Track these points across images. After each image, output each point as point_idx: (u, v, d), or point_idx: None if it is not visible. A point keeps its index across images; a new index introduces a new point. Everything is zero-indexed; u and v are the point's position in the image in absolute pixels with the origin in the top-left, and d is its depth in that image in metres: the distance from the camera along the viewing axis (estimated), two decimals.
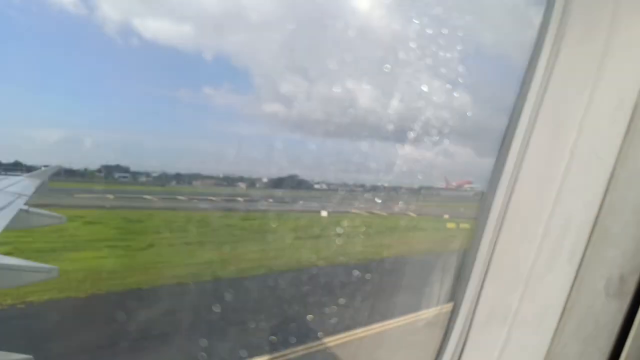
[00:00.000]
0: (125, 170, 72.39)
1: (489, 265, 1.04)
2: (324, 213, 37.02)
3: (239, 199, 51.92)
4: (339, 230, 28.89)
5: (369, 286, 15.13)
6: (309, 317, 11.88)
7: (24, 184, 9.39)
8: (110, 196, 43.77)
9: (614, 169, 0.93)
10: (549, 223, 0.99)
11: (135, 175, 72.07)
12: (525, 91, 1.00)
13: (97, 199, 40.46)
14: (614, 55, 0.93)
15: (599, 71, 0.94)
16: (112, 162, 71.95)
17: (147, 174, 72.22)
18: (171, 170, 74.01)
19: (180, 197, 49.48)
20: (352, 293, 14.39)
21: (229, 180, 71.92)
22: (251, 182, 72.46)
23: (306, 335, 10.83)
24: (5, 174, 16.06)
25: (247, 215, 34.91)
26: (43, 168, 19.08)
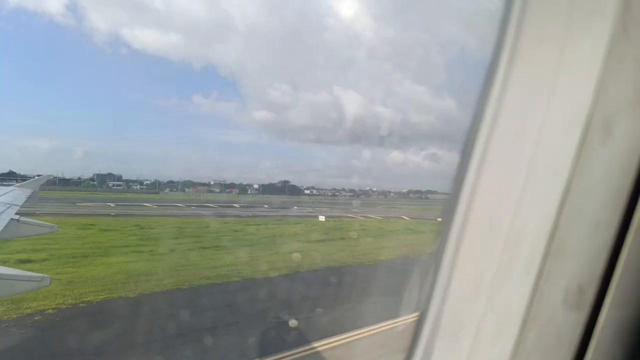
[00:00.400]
0: (118, 178, 72.33)
1: (451, 274, 1.09)
2: (321, 218, 37.37)
3: (236, 205, 52.72)
4: (341, 234, 30.25)
5: (382, 284, 16.97)
6: (346, 310, 13.50)
7: (15, 194, 9.63)
8: (112, 204, 44.12)
9: (570, 181, 0.96)
10: (507, 235, 1.03)
11: (129, 183, 72.20)
12: (484, 103, 1.05)
13: (100, 207, 40.73)
14: (566, 68, 0.98)
15: (553, 84, 0.98)
16: (104, 171, 71.80)
17: (140, 182, 72.43)
18: (162, 177, 74.27)
19: (178, 205, 50.10)
20: (372, 290, 16.20)
21: (221, 187, 72.76)
22: (242, 188, 73.29)
23: (344, 322, 12.43)
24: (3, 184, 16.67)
25: (249, 220, 35.60)
26: (36, 177, 19.80)
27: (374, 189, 68.40)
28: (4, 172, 50.67)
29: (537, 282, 0.98)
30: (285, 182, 72.69)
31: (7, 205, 7.68)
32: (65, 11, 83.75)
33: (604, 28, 0.96)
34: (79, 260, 18.82)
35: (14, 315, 11.89)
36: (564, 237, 0.97)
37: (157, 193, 65.42)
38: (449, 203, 1.13)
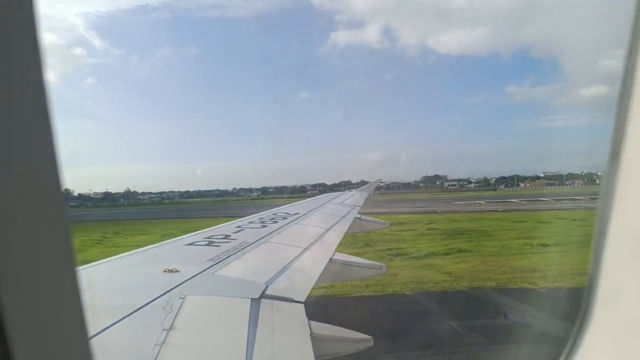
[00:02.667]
0: (445, 179, 76.53)
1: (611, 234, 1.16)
2: None
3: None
4: None
5: None
6: None
7: (356, 197, 11.28)
8: (482, 202, 47.86)
9: None
10: None
11: (460, 182, 75.37)
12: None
13: (473, 205, 44.54)
14: None
15: None
16: (430, 173, 77.98)
17: (468, 181, 74.25)
18: (479, 174, 73.68)
19: (544, 199, 48.55)
20: None
21: (560, 179, 65.21)
22: (589, 178, 62.78)
23: None
24: (349, 190, 19.55)
25: None
26: (370, 182, 21.53)
27: None
28: (357, 180, 63.00)
29: None
30: None
31: (352, 207, 9.31)
32: (382, 37, 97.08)
33: None
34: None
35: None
36: None
37: (495, 189, 65.30)
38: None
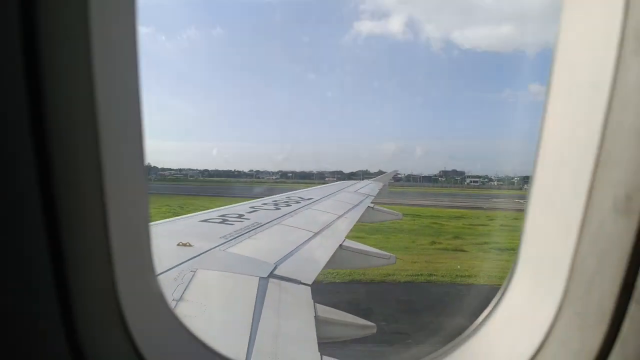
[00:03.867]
0: (461, 174, 75.00)
1: (534, 192, 1.27)
2: None
3: None
4: None
5: None
6: None
7: (371, 187, 11.33)
8: (521, 201, 46.77)
9: (611, 95, 0.96)
10: (559, 148, 1.14)
11: (482, 179, 73.87)
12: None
13: (518, 204, 43.71)
14: None
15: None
16: (447, 167, 76.42)
17: (490, 178, 72.73)
18: (496, 172, 71.97)
19: None
20: None
21: None
22: None
23: None
24: (367, 179, 19.70)
25: None
26: (387, 172, 21.08)
27: None
28: (375, 171, 62.49)
29: (590, 191, 1.02)
30: None
31: (365, 196, 9.31)
32: (405, 28, 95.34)
33: None
34: None
35: None
36: (609, 147, 0.99)
37: (520, 189, 64.28)
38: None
